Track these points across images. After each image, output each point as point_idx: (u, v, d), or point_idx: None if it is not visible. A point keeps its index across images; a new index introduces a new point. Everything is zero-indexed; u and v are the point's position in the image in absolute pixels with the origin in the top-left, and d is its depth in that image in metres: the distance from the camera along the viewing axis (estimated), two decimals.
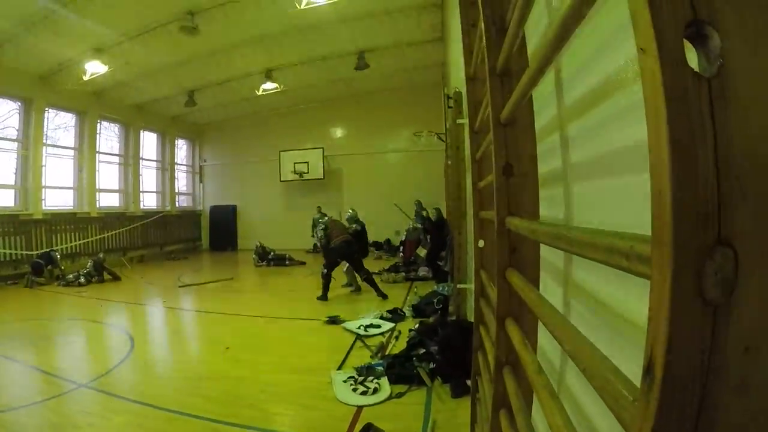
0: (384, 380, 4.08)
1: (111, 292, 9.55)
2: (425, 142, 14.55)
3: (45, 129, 12.50)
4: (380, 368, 4.29)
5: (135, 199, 15.99)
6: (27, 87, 11.69)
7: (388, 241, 15.29)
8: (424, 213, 11.33)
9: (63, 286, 10.29)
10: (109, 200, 15.17)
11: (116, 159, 15.55)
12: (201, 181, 19.88)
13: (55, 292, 9.77)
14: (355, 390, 3.92)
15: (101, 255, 11.58)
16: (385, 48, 12.31)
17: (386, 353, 4.91)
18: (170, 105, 15.96)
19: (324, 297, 7.90)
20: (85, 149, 13.88)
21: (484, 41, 1.64)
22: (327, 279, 7.98)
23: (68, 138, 13.69)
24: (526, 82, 1.16)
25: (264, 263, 13.30)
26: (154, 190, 17.55)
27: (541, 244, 1.58)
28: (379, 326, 5.98)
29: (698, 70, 0.43)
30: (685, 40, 0.44)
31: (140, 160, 16.46)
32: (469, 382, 3.46)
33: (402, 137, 16.61)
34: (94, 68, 11.34)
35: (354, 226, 8.91)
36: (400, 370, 4.21)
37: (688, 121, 0.43)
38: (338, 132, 17.65)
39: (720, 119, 0.42)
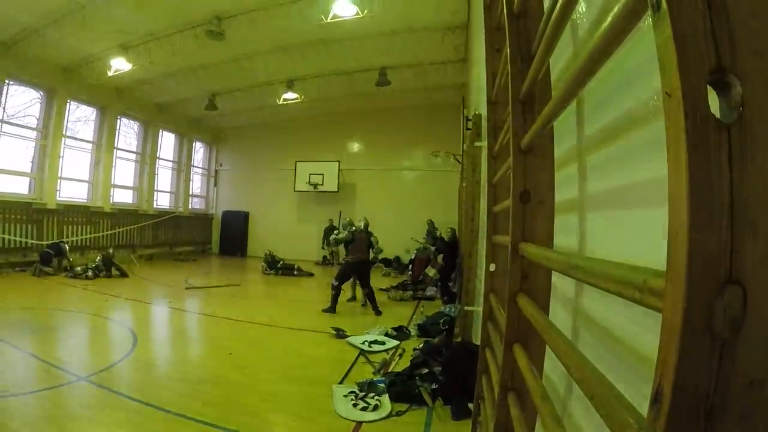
0: (385, 397, 4.05)
1: (117, 288, 9.61)
2: (441, 162, 14.57)
3: (65, 120, 12.73)
4: (382, 385, 4.26)
5: (149, 198, 16.20)
6: (50, 77, 11.93)
7: (397, 258, 15.26)
8: (437, 233, 11.27)
9: (70, 278, 10.38)
10: (123, 196, 15.36)
11: (133, 156, 15.79)
12: (215, 185, 20.09)
13: (61, 283, 9.86)
14: (355, 405, 3.89)
15: (111, 250, 11.67)
16: (408, 66, 12.43)
17: (389, 370, 4.89)
18: (191, 107, 16.21)
19: (332, 309, 7.86)
20: (104, 144, 14.10)
21: (509, 69, 1.68)
22: (337, 291, 7.96)
23: (87, 131, 13.92)
24: (549, 112, 1.18)
25: (272, 271, 13.31)
26: (169, 190, 17.78)
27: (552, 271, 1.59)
28: (383, 343, 5.95)
29: (719, 116, 0.45)
30: (708, 86, 0.46)
31: (157, 160, 16.68)
32: (470, 405, 3.44)
33: (418, 156, 16.67)
34: (119, 65, 11.59)
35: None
36: (402, 389, 4.17)
37: (707, 168, 0.45)
38: (355, 146, 17.76)
39: (737, 165, 0.45)
